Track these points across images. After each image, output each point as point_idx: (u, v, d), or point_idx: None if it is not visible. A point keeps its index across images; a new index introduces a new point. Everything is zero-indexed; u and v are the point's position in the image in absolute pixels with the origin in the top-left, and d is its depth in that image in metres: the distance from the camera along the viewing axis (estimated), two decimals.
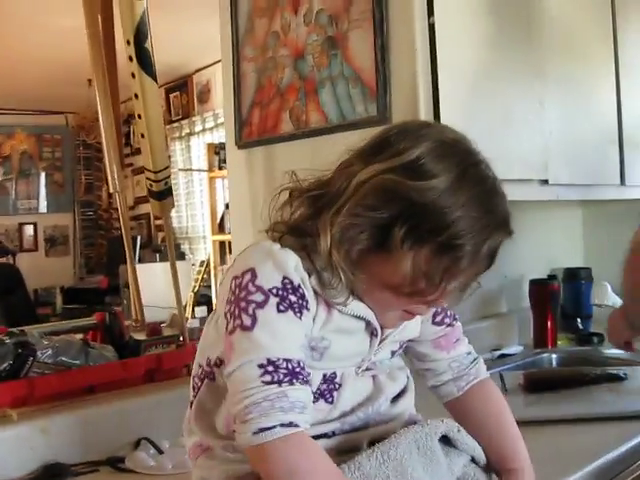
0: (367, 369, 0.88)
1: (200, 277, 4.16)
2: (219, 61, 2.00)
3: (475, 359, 1.00)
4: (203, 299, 4.10)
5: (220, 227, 4.35)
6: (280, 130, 1.82)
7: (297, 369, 0.76)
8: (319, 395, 0.84)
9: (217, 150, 4.24)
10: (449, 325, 0.98)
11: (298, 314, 0.78)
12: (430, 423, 0.86)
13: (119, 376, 1.41)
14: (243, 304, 0.77)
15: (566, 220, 2.51)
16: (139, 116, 1.36)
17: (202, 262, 4.36)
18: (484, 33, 1.69)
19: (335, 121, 1.68)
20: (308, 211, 0.82)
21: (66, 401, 1.32)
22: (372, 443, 0.83)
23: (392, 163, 0.77)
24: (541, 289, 2.14)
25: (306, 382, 0.77)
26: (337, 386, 0.85)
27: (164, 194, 1.50)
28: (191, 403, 0.91)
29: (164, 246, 4.32)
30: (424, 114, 1.54)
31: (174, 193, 1.62)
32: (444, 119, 1.51)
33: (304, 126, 1.75)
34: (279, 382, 0.74)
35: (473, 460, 0.90)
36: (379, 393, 0.88)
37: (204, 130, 5.13)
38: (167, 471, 1.23)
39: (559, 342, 2.11)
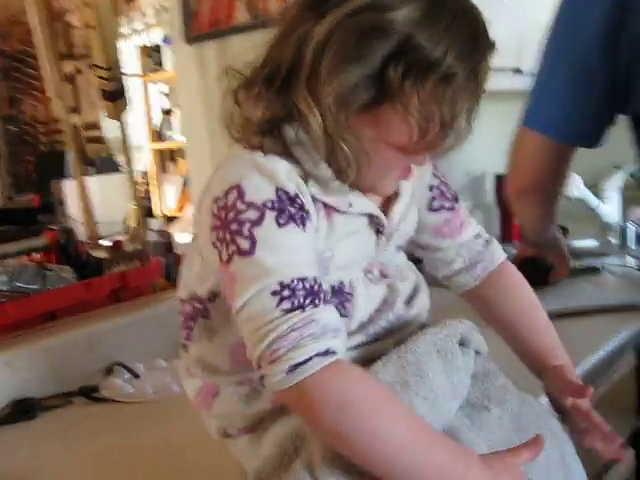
0: (381, 275, 0.79)
1: (141, 189, 3.98)
2: None
3: (487, 241, 0.90)
4: (145, 211, 3.94)
5: (158, 135, 4.14)
6: (234, 20, 1.65)
7: (316, 287, 0.65)
8: None
9: (150, 53, 3.98)
10: (450, 209, 0.87)
11: (301, 225, 0.67)
12: (449, 324, 0.78)
13: (82, 298, 1.30)
14: (235, 226, 0.65)
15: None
16: (86, 4, 1.19)
17: (142, 173, 4.18)
18: None
19: None
20: (271, 97, 0.68)
21: (27, 330, 1.21)
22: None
23: (350, 6, 0.64)
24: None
25: (329, 301, 0.67)
26: (349, 297, 0.75)
27: (117, 94, 1.34)
28: (184, 346, 0.80)
29: (98, 159, 4.10)
30: None
31: (119, 63, 1.43)
32: None
33: (262, 14, 1.59)
34: (301, 307, 0.63)
35: (477, 352, 0.83)
36: (394, 296, 0.80)
37: (132, 33, 4.84)
38: (149, 396, 1.14)
39: None
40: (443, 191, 0.87)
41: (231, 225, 0.65)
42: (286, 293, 0.64)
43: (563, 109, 1.05)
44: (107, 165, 4.58)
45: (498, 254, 0.91)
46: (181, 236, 2.69)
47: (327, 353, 0.63)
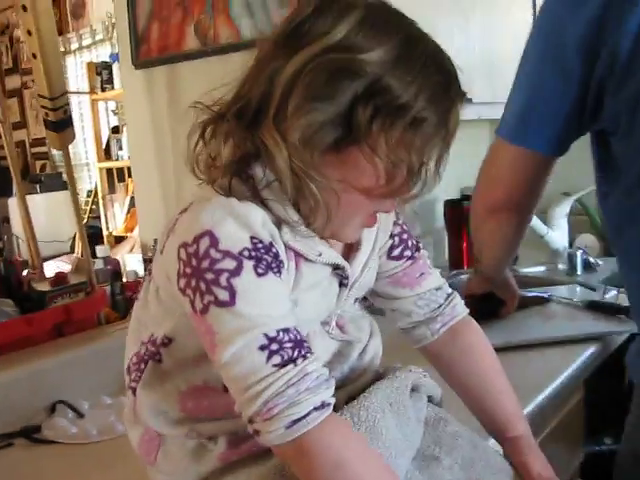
0: (338, 327, 0.78)
1: (89, 208, 3.90)
2: None
3: (449, 295, 0.88)
4: (92, 230, 3.86)
5: (106, 153, 4.07)
6: (184, 47, 1.63)
7: (299, 337, 0.64)
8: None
9: (99, 70, 3.91)
10: (410, 258, 0.86)
11: (278, 274, 0.65)
12: (399, 375, 0.77)
13: (24, 333, 1.25)
14: (210, 276, 0.62)
15: (474, 138, 2.48)
16: (29, 32, 1.15)
17: (89, 192, 4.09)
18: None
19: (249, 35, 1.51)
20: (241, 133, 0.66)
21: None
22: (349, 401, 0.73)
23: (323, 44, 0.63)
24: (456, 210, 2.12)
25: (311, 350, 0.65)
26: None
27: (63, 124, 1.30)
28: (132, 389, 0.77)
29: (43, 175, 4.01)
30: None
31: (65, 93, 1.39)
32: None
33: (212, 42, 1.58)
34: (292, 360, 0.62)
35: (430, 399, 0.84)
36: (349, 348, 0.79)
37: (81, 48, 4.75)
38: (92, 438, 1.10)
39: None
40: (404, 239, 0.86)
41: (206, 274, 0.63)
42: (274, 347, 0.62)
43: (543, 121, 1.03)
44: (54, 182, 4.47)
45: (459, 309, 0.88)
46: (129, 258, 2.65)
47: (323, 406, 0.62)
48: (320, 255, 0.71)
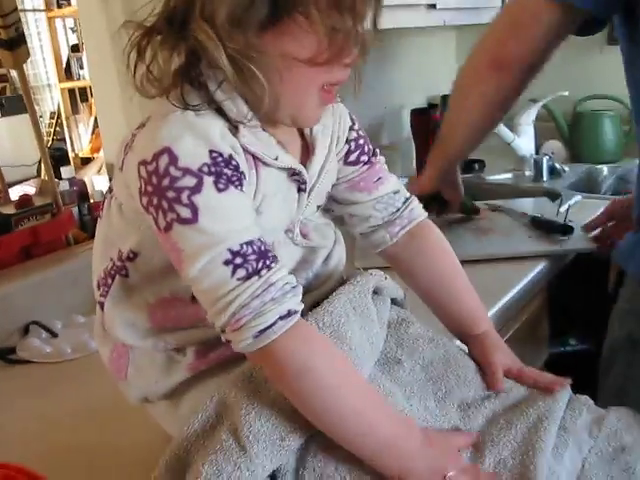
0: (302, 234, 0.79)
1: (52, 130, 3.81)
2: None
3: (407, 200, 0.88)
4: (59, 153, 3.79)
5: (67, 73, 3.96)
6: None
7: (263, 248, 0.65)
8: None
9: None
10: (366, 163, 0.86)
11: (239, 187, 0.65)
12: (360, 279, 0.79)
13: None
14: (171, 193, 0.62)
15: (441, 46, 2.45)
16: None
17: (52, 113, 3.99)
18: None
19: None
20: (174, 40, 0.65)
21: None
22: (315, 307, 0.75)
23: None
24: (423, 119, 2.10)
25: (276, 258, 0.66)
26: None
27: (16, 42, 1.26)
28: (100, 304, 0.77)
29: (4, 98, 3.90)
30: None
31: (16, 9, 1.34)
32: None
33: None
34: (257, 272, 0.63)
35: (393, 301, 0.85)
36: (313, 255, 0.80)
37: None
38: (67, 356, 1.12)
39: None
40: (360, 144, 0.85)
41: (167, 192, 0.63)
42: (238, 261, 0.63)
43: None
44: (16, 105, 4.35)
45: (417, 212, 0.89)
46: (97, 179, 2.62)
47: (289, 314, 0.64)
48: (276, 159, 0.71)
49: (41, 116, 4.22)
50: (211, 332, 0.69)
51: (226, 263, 0.63)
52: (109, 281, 0.76)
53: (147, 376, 0.76)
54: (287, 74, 0.66)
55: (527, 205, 1.67)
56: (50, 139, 3.83)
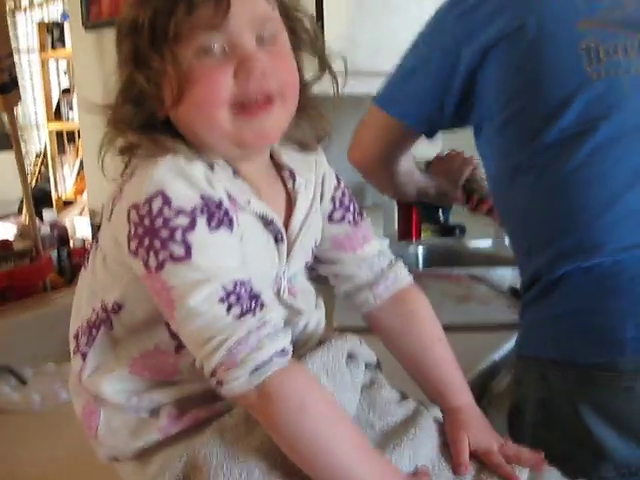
0: (289, 292, 0.79)
1: (38, 169, 3.82)
2: None
3: (392, 261, 0.88)
4: (41, 193, 3.79)
5: (56, 114, 3.98)
6: None
7: (254, 289, 0.66)
8: None
9: (49, 28, 3.81)
10: (351, 222, 0.86)
11: (229, 228, 0.67)
12: (334, 343, 0.79)
13: None
14: (165, 233, 0.63)
15: None
16: None
17: (38, 153, 4.00)
18: None
19: None
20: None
21: None
22: None
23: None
24: None
25: (265, 300, 0.67)
26: None
27: (9, 86, 1.27)
28: (83, 354, 0.76)
29: None
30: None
31: (11, 55, 1.36)
32: (328, 7, 1.39)
33: None
34: (251, 310, 0.64)
35: (366, 366, 0.85)
36: (296, 317, 0.80)
37: (32, 5, 4.60)
38: (36, 406, 1.10)
39: (423, 234, 2.13)
40: (345, 204, 0.86)
41: (160, 232, 0.64)
42: (232, 299, 0.64)
43: (420, 104, 1.11)
44: (2, 142, 4.34)
45: (402, 275, 0.89)
46: (78, 221, 2.61)
47: (283, 352, 0.65)
48: (249, 202, 0.72)
49: (24, 157, 4.22)
50: (187, 389, 0.69)
51: (221, 300, 0.64)
52: (94, 332, 0.75)
53: (118, 437, 0.75)
54: (185, 117, 0.68)
55: (507, 274, 1.68)
56: (34, 178, 3.84)
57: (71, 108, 3.92)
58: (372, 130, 1.18)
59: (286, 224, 0.77)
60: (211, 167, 0.69)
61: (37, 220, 1.52)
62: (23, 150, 4.35)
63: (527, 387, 1.04)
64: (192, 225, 0.64)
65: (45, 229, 1.64)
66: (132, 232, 0.65)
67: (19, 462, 0.94)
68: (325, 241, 0.86)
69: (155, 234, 0.64)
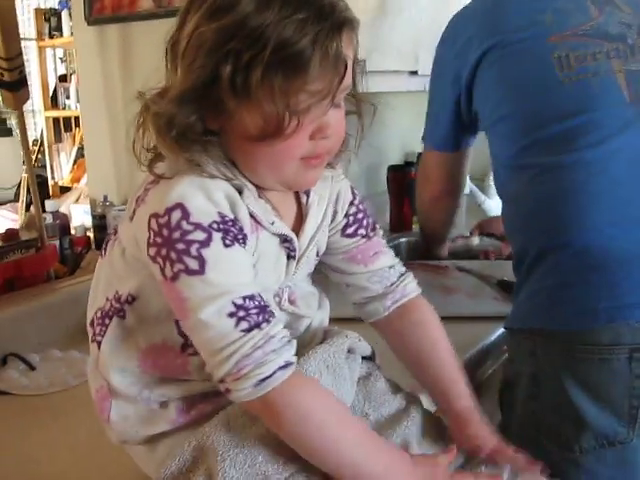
0: (289, 302, 0.84)
1: (34, 157, 3.85)
2: None
3: (402, 275, 0.92)
4: (38, 180, 3.81)
5: (53, 102, 4.00)
6: (138, 7, 1.65)
7: (263, 303, 0.70)
8: None
9: (47, 16, 3.82)
10: (364, 237, 0.90)
11: (243, 245, 0.71)
12: (336, 340, 0.84)
13: None
14: (181, 246, 0.67)
15: (418, 108, 2.54)
16: None
17: (35, 141, 4.02)
18: None
19: None
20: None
21: None
22: None
23: (201, 13, 0.67)
24: (398, 175, 2.17)
25: (274, 314, 0.72)
26: None
27: (18, 84, 1.31)
28: (98, 343, 0.81)
29: None
30: None
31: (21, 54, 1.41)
32: None
33: (167, 4, 1.59)
34: (258, 325, 0.68)
35: (363, 357, 0.91)
36: (297, 322, 0.85)
37: None
38: (44, 389, 1.15)
39: (414, 226, 2.18)
40: (359, 219, 0.89)
41: (177, 244, 0.67)
42: (241, 313, 0.68)
43: (442, 130, 1.38)
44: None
45: (411, 287, 0.92)
46: (75, 208, 2.66)
47: (287, 365, 0.69)
48: (273, 224, 0.76)
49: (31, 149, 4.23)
50: (195, 386, 0.74)
51: (230, 315, 0.68)
52: (106, 321, 0.79)
53: (128, 425, 0.79)
54: (248, 151, 0.72)
55: (494, 267, 1.73)
56: (33, 165, 3.86)
57: (67, 96, 3.94)
58: (433, 168, 1.47)
59: (296, 237, 0.81)
60: (240, 191, 0.73)
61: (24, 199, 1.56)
62: (17, 135, 4.34)
63: (520, 364, 1.11)
64: (208, 241, 0.68)
65: (48, 218, 1.68)
66: (151, 239, 0.69)
67: (30, 441, 0.99)
68: (338, 253, 0.90)
69: (172, 246, 0.68)
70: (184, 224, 0.67)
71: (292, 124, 0.68)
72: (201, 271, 0.67)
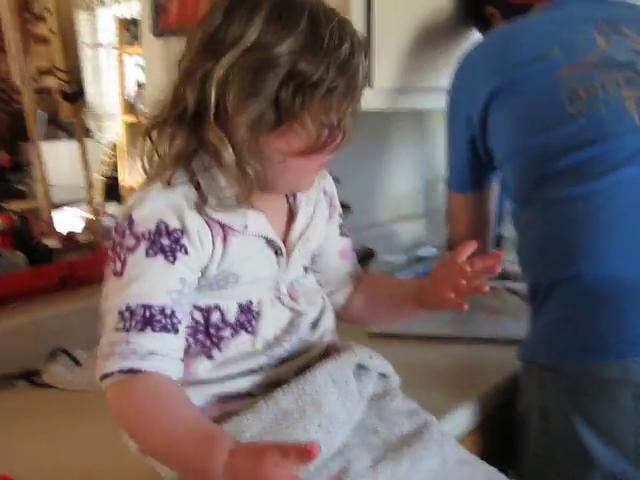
0: (290, 297, 0.88)
1: (110, 161, 3.98)
2: None
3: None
4: (112, 182, 3.93)
5: (131, 107, 4.13)
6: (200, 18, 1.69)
7: (157, 316, 0.75)
8: (239, 326, 0.83)
9: (127, 26, 3.95)
10: (348, 236, 1.02)
11: (170, 258, 0.76)
12: (344, 356, 0.87)
13: (30, 285, 1.35)
14: (118, 249, 0.77)
15: None
16: (48, 11, 1.22)
17: (112, 145, 4.16)
18: None
19: None
20: (184, 134, 0.78)
21: None
22: (298, 374, 0.83)
23: (241, 47, 0.74)
24: None
25: (168, 329, 0.76)
26: (255, 315, 0.84)
27: (77, 95, 1.38)
28: None
29: (71, 123, 4.07)
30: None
31: (79, 67, 1.49)
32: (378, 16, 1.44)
33: None
34: (127, 329, 0.74)
35: (383, 375, 0.93)
36: (300, 319, 0.88)
37: (112, 1, 4.78)
38: (87, 386, 1.19)
39: None
40: (342, 218, 1.00)
41: (116, 248, 0.77)
42: (127, 315, 0.75)
43: (461, 173, 1.41)
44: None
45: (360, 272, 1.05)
46: None
47: (129, 371, 0.73)
48: (246, 228, 0.81)
49: (99, 141, 4.37)
50: (214, 389, 0.80)
51: (119, 314, 0.75)
52: None
53: None
54: (288, 165, 0.79)
55: None
56: (107, 168, 3.99)
57: (143, 103, 4.06)
58: (458, 211, 1.50)
59: (286, 236, 0.87)
60: (204, 200, 0.78)
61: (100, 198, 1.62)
62: (98, 137, 4.47)
63: (529, 396, 1.11)
64: (134, 248, 0.75)
65: (109, 221, 1.75)
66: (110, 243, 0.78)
67: (67, 434, 1.04)
68: (333, 251, 0.99)
69: (114, 249, 0.77)
70: (126, 231, 0.76)
71: (338, 138, 0.78)
72: (120, 273, 0.76)
